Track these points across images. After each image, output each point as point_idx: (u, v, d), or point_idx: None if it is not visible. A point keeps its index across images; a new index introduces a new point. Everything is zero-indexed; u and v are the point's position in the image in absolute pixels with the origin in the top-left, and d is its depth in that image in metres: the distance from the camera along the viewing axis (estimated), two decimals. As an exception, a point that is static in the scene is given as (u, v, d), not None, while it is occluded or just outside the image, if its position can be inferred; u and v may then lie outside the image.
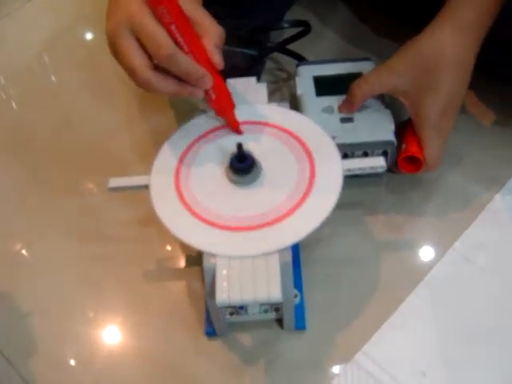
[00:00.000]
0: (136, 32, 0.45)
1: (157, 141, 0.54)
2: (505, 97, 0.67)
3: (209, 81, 0.48)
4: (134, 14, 0.45)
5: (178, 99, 0.70)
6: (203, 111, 0.56)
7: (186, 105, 0.70)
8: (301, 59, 0.68)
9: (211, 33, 0.48)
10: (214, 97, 0.50)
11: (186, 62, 0.46)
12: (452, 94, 0.54)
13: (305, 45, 0.69)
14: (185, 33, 0.46)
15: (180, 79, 0.47)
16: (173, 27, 0.45)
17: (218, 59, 0.48)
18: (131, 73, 0.46)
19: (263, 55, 0.70)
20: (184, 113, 0.70)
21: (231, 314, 0.52)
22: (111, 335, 0.55)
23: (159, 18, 0.45)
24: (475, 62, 0.54)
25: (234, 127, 0.53)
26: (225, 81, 0.51)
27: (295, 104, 0.62)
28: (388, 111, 0.59)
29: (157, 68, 0.46)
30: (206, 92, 0.49)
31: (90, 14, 0.84)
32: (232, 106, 0.52)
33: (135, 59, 0.45)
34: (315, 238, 0.58)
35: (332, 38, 0.77)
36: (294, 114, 0.55)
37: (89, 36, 0.85)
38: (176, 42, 0.46)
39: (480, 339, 0.52)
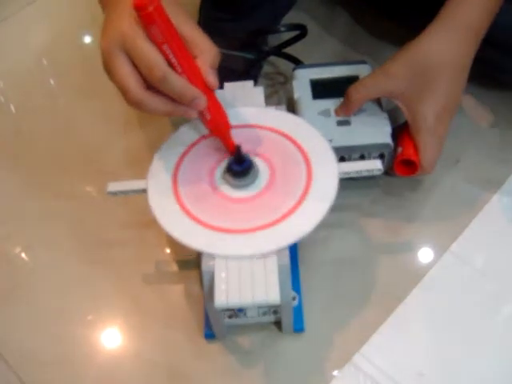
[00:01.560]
0: (128, 52, 0.44)
1: (155, 145, 0.54)
2: (503, 99, 0.67)
3: (203, 102, 0.47)
4: (126, 33, 0.44)
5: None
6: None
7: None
8: (298, 63, 0.69)
9: (206, 53, 0.47)
10: (208, 117, 0.49)
11: (178, 84, 0.45)
12: (448, 97, 0.54)
13: (302, 48, 0.69)
14: (178, 53, 0.45)
15: (174, 99, 0.46)
16: (165, 47, 0.44)
17: (212, 80, 0.47)
18: (123, 92, 0.45)
19: (261, 59, 0.71)
20: (181, 118, 0.70)
21: (230, 316, 0.52)
22: (110, 338, 0.56)
23: (152, 38, 0.44)
24: (472, 65, 0.54)
25: (230, 148, 0.51)
26: (222, 86, 0.51)
27: (292, 107, 0.62)
28: (385, 114, 0.59)
29: (150, 87, 0.45)
30: (201, 112, 0.48)
31: (89, 18, 0.84)
32: (228, 126, 0.51)
33: (127, 79, 0.45)
34: (313, 240, 0.58)
35: (329, 42, 0.77)
36: (290, 117, 0.56)
37: (87, 40, 0.85)
38: (169, 62, 0.45)
39: (477, 341, 0.52)
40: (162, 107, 0.46)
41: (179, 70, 0.45)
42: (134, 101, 0.45)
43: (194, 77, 0.46)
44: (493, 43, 0.58)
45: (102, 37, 0.46)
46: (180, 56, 0.45)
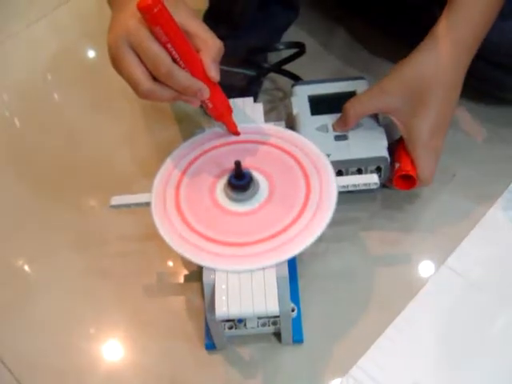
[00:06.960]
0: (134, 48, 0.47)
1: (160, 156, 0.55)
2: (499, 114, 0.68)
3: (205, 93, 0.50)
4: (132, 31, 0.47)
5: (182, 115, 0.73)
6: (203, 129, 0.58)
7: (189, 121, 0.72)
8: (297, 79, 0.70)
9: (209, 47, 0.50)
10: (210, 106, 0.53)
11: (183, 78, 0.48)
12: (442, 112, 0.55)
13: (301, 65, 0.70)
14: (181, 50, 0.48)
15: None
16: (169, 45, 0.47)
17: (213, 74, 0.50)
18: (134, 85, 0.48)
19: (260, 75, 0.72)
20: (187, 129, 0.71)
21: (230, 327, 0.53)
22: (112, 349, 0.56)
23: (156, 37, 0.47)
24: (471, 81, 0.56)
25: (233, 131, 0.56)
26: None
27: (291, 123, 0.63)
28: (381, 128, 0.60)
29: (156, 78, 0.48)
30: (203, 101, 0.52)
31: (92, 32, 0.85)
32: (229, 111, 0.54)
33: (137, 73, 0.47)
34: (312, 253, 0.59)
35: (328, 58, 0.78)
36: (289, 132, 0.57)
37: (91, 54, 0.87)
38: (173, 58, 0.48)
39: (473, 353, 0.53)
40: (169, 96, 0.49)
41: (182, 65, 0.48)
42: (145, 93, 0.48)
43: (197, 70, 0.49)
44: (494, 61, 0.59)
45: (109, 33, 0.49)
46: (183, 52, 0.48)
